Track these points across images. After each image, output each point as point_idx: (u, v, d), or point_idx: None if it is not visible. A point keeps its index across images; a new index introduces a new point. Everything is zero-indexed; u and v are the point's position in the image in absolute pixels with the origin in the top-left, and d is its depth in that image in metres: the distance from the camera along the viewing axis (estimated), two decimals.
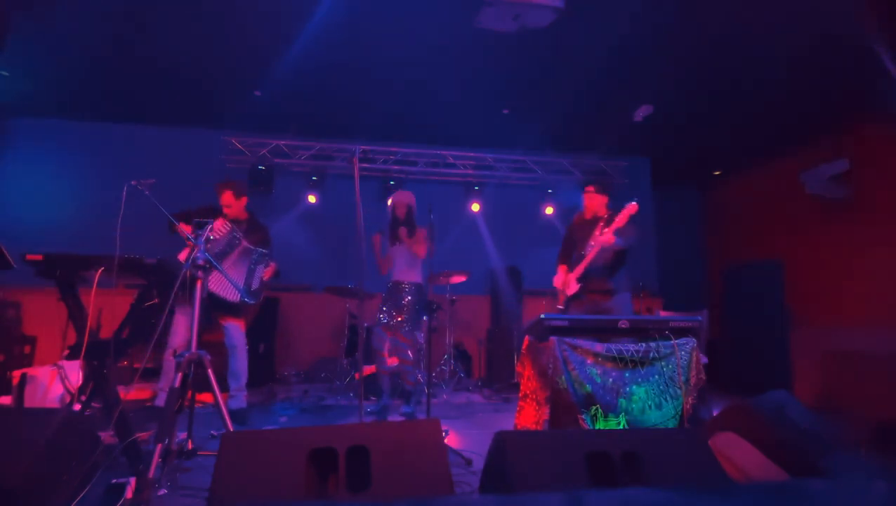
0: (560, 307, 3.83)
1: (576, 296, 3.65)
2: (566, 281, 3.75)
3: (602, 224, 3.61)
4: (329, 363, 5.72)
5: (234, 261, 3.36)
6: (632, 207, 3.36)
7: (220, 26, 4.09)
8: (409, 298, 3.93)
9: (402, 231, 3.95)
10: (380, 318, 3.90)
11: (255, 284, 3.42)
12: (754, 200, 7.02)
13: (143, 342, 2.71)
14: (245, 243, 3.38)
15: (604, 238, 3.40)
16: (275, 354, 5.73)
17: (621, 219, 3.35)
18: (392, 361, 4.01)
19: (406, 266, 4.00)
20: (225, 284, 3.28)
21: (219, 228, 3.25)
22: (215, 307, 3.50)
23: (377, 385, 4.15)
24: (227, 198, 3.64)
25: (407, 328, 3.88)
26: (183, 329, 3.47)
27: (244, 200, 3.73)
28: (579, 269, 3.61)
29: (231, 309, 3.55)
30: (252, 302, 3.42)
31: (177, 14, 3.93)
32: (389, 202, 4.10)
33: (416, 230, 4.01)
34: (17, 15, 3.85)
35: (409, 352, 4.02)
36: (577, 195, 6.74)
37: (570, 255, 3.85)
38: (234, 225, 3.44)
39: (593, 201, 3.76)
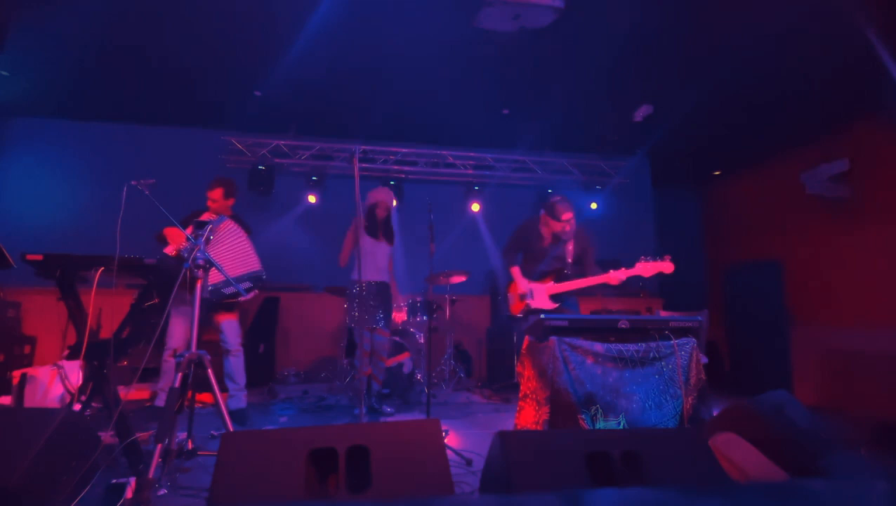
0: (519, 316, 3.61)
1: (537, 309, 3.46)
2: (533, 291, 3.52)
3: (573, 244, 3.54)
4: (329, 363, 5.72)
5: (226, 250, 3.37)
6: (667, 265, 3.30)
7: (219, 26, 4.09)
8: (382, 300, 3.97)
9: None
10: (355, 319, 3.78)
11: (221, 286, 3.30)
12: (754, 200, 7.02)
13: (143, 342, 2.71)
14: (233, 223, 3.36)
15: (615, 279, 3.33)
16: (275, 354, 5.72)
17: (648, 271, 3.31)
18: (366, 372, 3.95)
19: (383, 266, 4.05)
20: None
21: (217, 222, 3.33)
22: (210, 307, 3.48)
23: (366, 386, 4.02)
24: (216, 193, 3.68)
25: (382, 324, 3.95)
26: (179, 330, 3.47)
27: (231, 201, 3.77)
28: (561, 287, 3.46)
29: (225, 306, 3.53)
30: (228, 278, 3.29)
31: (177, 14, 3.93)
32: (372, 198, 4.09)
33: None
34: (17, 15, 3.85)
35: (384, 350, 4.09)
36: (577, 195, 6.79)
37: (518, 256, 3.69)
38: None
39: (570, 219, 3.53)
